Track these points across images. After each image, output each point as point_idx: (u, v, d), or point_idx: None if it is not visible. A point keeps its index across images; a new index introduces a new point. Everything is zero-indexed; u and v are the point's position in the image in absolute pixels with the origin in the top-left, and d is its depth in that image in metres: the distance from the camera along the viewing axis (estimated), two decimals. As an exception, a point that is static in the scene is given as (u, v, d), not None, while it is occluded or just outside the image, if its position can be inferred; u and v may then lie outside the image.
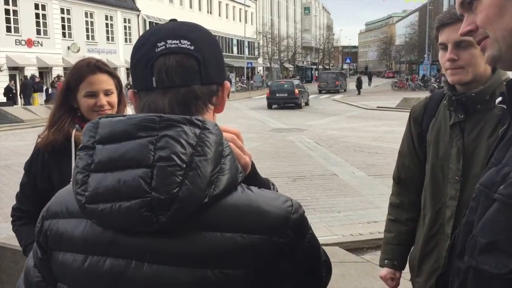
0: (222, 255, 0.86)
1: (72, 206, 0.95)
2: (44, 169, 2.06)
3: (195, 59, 0.93)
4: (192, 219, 0.86)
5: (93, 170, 0.89)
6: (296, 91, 27.86)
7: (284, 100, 27.66)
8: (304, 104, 28.83)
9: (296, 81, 31.39)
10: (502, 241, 0.76)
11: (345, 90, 46.03)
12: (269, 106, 27.78)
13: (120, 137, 0.89)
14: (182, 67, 0.93)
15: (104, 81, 2.04)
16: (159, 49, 0.93)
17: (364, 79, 56.70)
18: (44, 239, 0.99)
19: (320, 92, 43.16)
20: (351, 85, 49.59)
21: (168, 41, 0.93)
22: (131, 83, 1.02)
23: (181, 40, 0.93)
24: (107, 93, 2.04)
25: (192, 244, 0.86)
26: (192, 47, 0.94)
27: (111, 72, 2.10)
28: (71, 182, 0.95)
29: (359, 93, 39.69)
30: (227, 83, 1.01)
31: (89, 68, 2.02)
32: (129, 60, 1.03)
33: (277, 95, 28.06)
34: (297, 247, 0.91)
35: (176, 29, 0.96)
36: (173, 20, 1.01)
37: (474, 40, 0.95)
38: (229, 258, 0.86)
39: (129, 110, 2.06)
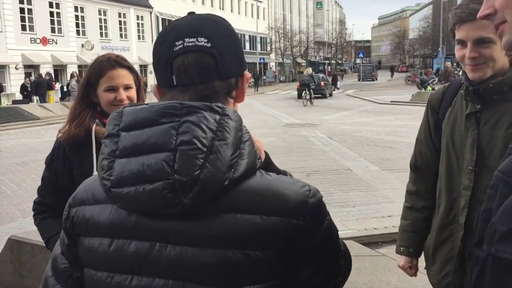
0: (243, 236, 0.89)
1: (98, 193, 0.99)
2: (65, 163, 2.09)
3: (212, 56, 0.96)
4: (213, 201, 0.89)
5: (118, 155, 0.93)
6: (322, 83, 32.51)
7: (312, 91, 30.30)
8: (328, 94, 33.44)
9: (321, 75, 36.73)
10: None
11: (376, 79, 59.31)
12: (299, 97, 31.09)
13: (144, 124, 0.92)
14: (200, 65, 0.95)
15: (124, 76, 2.07)
16: (177, 48, 0.96)
17: (386, 73, 62.14)
18: (71, 225, 1.03)
19: (359, 80, 50.79)
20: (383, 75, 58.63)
21: (185, 39, 0.96)
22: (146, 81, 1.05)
23: (198, 38, 0.96)
24: (126, 87, 2.07)
25: (214, 226, 0.89)
26: (209, 44, 0.96)
27: (131, 67, 2.13)
28: (95, 172, 0.98)
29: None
30: (246, 73, 1.03)
31: (109, 63, 2.05)
32: (142, 57, 1.06)
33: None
34: (315, 230, 0.93)
35: (193, 24, 0.98)
36: (191, 13, 1.03)
37: (492, 23, 0.93)
38: (249, 240, 0.89)
39: None
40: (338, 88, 39.90)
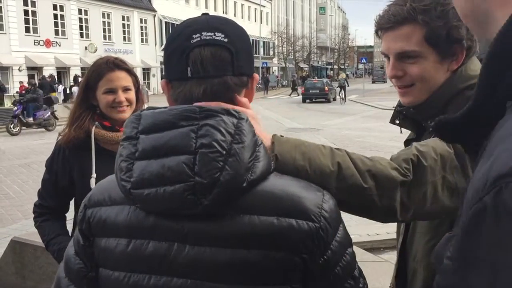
0: (260, 237, 0.90)
1: (114, 194, 1.00)
2: (65, 165, 2.11)
3: (228, 51, 0.97)
4: (231, 203, 0.91)
5: (138, 158, 0.94)
6: (326, 88, 33.36)
7: (316, 96, 33.48)
8: (332, 99, 34.06)
9: (325, 80, 37.82)
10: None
11: (386, 81, 59.79)
12: (303, 101, 33.30)
13: (163, 127, 0.93)
14: (216, 58, 0.96)
15: (122, 78, 2.08)
16: (194, 40, 0.97)
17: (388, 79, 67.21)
18: (87, 226, 1.04)
19: (373, 82, 57.13)
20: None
21: (203, 33, 0.97)
22: (146, 83, 1.04)
23: (216, 33, 0.97)
24: (125, 89, 2.08)
25: (232, 226, 0.91)
26: (226, 39, 0.97)
27: (129, 70, 2.14)
28: (92, 177, 0.98)
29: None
30: (255, 75, 1.05)
31: (107, 65, 2.06)
32: (145, 60, 1.06)
33: (311, 91, 33.61)
34: (330, 235, 0.94)
35: (210, 21, 1.00)
36: (205, 14, 1.04)
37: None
38: (266, 240, 0.90)
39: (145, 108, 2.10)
40: (298, 94, 39.80)
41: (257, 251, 0.90)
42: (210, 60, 0.96)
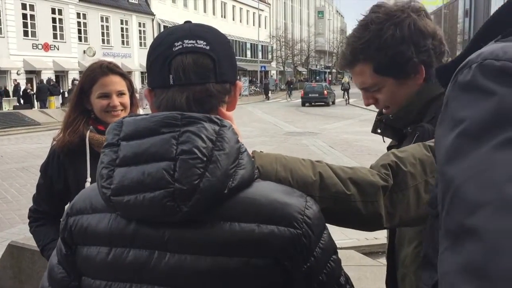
0: (240, 244, 0.90)
1: (96, 202, 0.99)
2: (60, 170, 2.10)
3: (210, 58, 0.97)
4: (212, 210, 0.90)
5: (118, 164, 0.93)
6: (325, 92, 33.76)
7: (316, 99, 33.81)
8: (331, 102, 34.53)
9: (324, 84, 38.33)
10: (429, 252, 0.73)
11: None
12: (303, 104, 33.56)
13: (144, 134, 0.93)
14: (198, 65, 0.96)
15: (117, 83, 2.08)
16: (176, 48, 0.97)
17: None
18: (69, 235, 1.03)
19: None
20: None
21: (185, 40, 0.97)
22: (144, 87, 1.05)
23: (198, 40, 0.97)
24: (119, 94, 2.08)
25: (212, 233, 0.90)
26: (208, 47, 0.97)
27: (123, 74, 2.14)
28: (86, 182, 0.98)
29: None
30: (239, 82, 1.05)
31: (101, 70, 2.07)
32: (144, 64, 1.06)
33: (310, 95, 33.99)
34: (313, 241, 0.93)
35: (193, 29, 1.00)
36: (188, 22, 1.04)
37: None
38: (247, 247, 0.90)
39: (141, 112, 2.10)
40: (268, 98, 40.13)
41: (238, 259, 0.90)
42: (192, 67, 0.96)
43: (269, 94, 43.28)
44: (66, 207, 1.10)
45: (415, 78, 1.37)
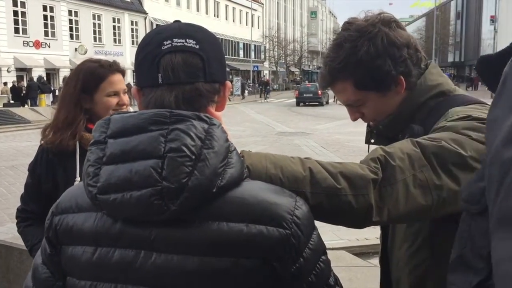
0: (229, 244, 0.88)
1: (82, 201, 0.98)
2: (48, 169, 2.07)
3: (199, 57, 0.97)
4: (200, 209, 0.89)
5: (105, 162, 0.92)
6: (319, 92, 33.91)
7: (310, 99, 34.59)
8: (325, 102, 35.37)
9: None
10: (466, 253, 0.70)
11: None
12: (297, 104, 34.29)
13: (132, 131, 0.91)
14: (187, 64, 0.96)
15: (122, 81, 2.11)
16: (165, 47, 0.96)
17: None
18: (54, 234, 1.01)
19: None
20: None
21: (174, 39, 0.96)
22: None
23: (187, 39, 0.97)
24: (124, 92, 2.10)
25: (200, 233, 0.89)
26: (197, 46, 0.97)
27: (124, 73, 2.16)
28: (75, 181, 0.96)
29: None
30: (228, 82, 1.04)
31: (110, 68, 2.07)
32: (136, 62, 1.04)
33: (304, 95, 34.87)
34: (302, 242, 0.92)
35: (182, 28, 1.00)
36: (177, 21, 1.03)
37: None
38: (235, 247, 0.89)
39: (131, 110, 2.09)
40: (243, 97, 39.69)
41: (227, 259, 0.88)
42: (181, 66, 0.95)
43: (265, 94, 42.93)
44: (52, 206, 1.08)
45: (396, 89, 1.37)
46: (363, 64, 1.32)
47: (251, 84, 51.28)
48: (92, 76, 2.05)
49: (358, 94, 1.38)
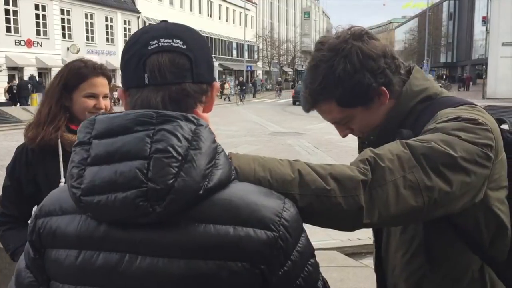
0: (216, 246, 0.87)
1: (65, 203, 0.96)
2: (29, 170, 2.03)
3: (187, 57, 0.95)
4: (187, 211, 0.87)
5: (89, 163, 0.90)
6: None
7: None
8: None
9: None
10: None
11: None
12: (294, 103, 33.72)
13: (117, 132, 0.89)
14: (174, 64, 0.94)
15: (104, 85, 2.07)
16: (151, 47, 0.95)
17: None
18: (37, 237, 0.99)
19: None
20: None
21: (161, 39, 0.95)
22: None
23: (174, 39, 0.95)
24: (105, 97, 2.06)
25: (186, 236, 0.87)
26: (185, 46, 0.95)
27: (110, 78, 2.13)
28: (60, 182, 0.94)
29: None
30: (216, 83, 1.03)
31: (94, 69, 2.04)
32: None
33: (301, 94, 33.90)
34: (290, 244, 0.91)
35: (169, 28, 0.98)
36: (164, 21, 1.02)
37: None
38: (222, 250, 0.87)
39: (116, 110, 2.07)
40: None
41: (213, 262, 0.86)
42: (168, 66, 0.94)
43: (256, 93, 42.75)
44: (34, 208, 1.06)
45: (380, 101, 1.37)
46: (342, 82, 1.32)
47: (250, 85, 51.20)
48: (74, 75, 2.03)
49: (343, 112, 1.38)
